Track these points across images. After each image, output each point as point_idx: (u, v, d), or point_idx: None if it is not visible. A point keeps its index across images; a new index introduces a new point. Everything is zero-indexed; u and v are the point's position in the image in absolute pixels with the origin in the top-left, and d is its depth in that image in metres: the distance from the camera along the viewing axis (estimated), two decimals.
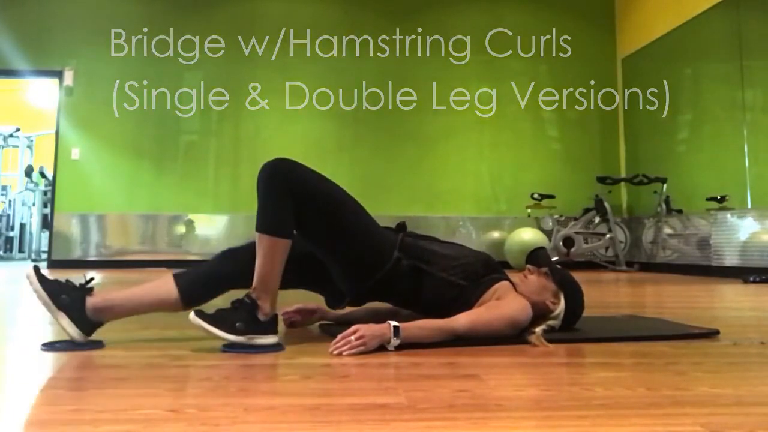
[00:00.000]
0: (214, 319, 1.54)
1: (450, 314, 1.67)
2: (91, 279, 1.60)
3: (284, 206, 1.62)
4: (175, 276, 1.68)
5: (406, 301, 1.81)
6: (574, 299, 1.78)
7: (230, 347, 1.54)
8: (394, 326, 1.53)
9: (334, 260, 1.73)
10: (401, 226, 1.85)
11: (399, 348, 1.52)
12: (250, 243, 1.71)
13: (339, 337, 1.53)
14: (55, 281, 1.56)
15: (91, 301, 1.56)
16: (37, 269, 1.56)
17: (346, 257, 1.71)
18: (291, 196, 1.62)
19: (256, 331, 1.55)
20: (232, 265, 1.72)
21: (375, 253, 1.71)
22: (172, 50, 6.79)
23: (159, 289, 1.65)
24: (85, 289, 1.58)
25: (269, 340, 1.57)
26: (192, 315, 1.54)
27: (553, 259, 6.19)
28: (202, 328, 1.52)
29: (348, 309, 2.00)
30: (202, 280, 1.69)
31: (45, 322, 2.07)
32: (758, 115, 5.04)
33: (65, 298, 1.53)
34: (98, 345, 1.58)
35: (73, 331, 1.54)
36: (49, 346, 1.56)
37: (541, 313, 1.73)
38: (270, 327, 1.58)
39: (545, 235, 6.38)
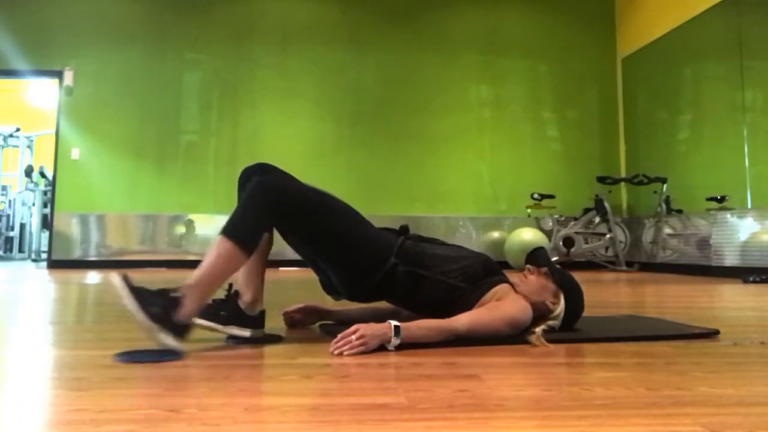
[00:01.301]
0: (134, 290, 1.45)
1: (450, 316, 1.67)
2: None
3: (262, 224, 1.61)
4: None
5: (405, 303, 1.81)
6: (574, 299, 1.78)
7: (123, 356, 1.44)
8: (395, 326, 1.53)
9: (330, 267, 1.75)
10: (404, 230, 1.84)
11: (399, 348, 1.52)
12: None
13: (339, 336, 1.53)
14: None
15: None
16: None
17: (341, 266, 1.72)
18: (278, 210, 1.61)
19: (166, 327, 1.44)
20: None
21: (370, 260, 1.70)
22: (172, 50, 6.79)
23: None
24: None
25: (172, 342, 1.46)
26: (115, 275, 1.46)
27: (553, 259, 6.20)
28: (117, 290, 1.44)
29: (347, 307, 2.00)
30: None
31: (45, 322, 2.07)
32: (758, 115, 5.04)
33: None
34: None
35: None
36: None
37: (540, 314, 1.73)
38: (181, 330, 1.48)
39: (545, 235, 6.38)
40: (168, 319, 1.45)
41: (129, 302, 1.42)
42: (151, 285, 1.51)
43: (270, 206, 1.61)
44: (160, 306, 1.45)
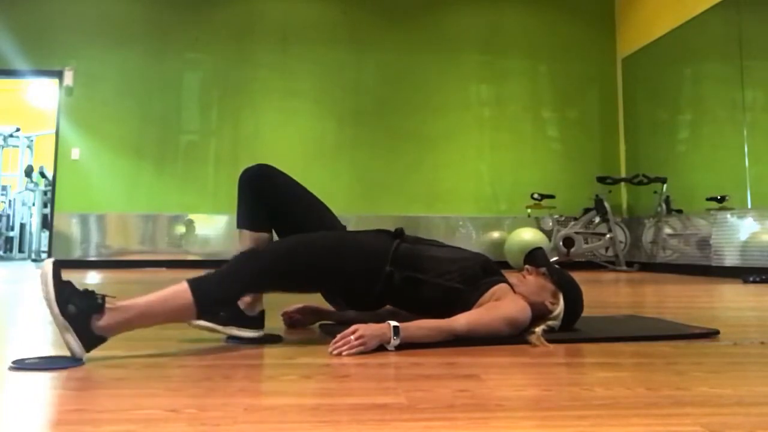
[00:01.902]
0: (61, 283, 1.40)
1: (449, 316, 1.67)
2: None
3: (231, 297, 1.60)
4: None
5: (404, 306, 1.81)
6: (574, 299, 1.77)
7: (23, 364, 1.37)
8: (394, 326, 1.53)
9: (328, 291, 1.79)
10: (399, 233, 1.81)
11: (399, 348, 1.52)
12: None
13: (338, 336, 1.53)
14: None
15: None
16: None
17: (338, 288, 1.74)
18: (267, 281, 1.63)
19: (76, 330, 1.37)
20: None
21: (365, 276, 1.69)
22: (172, 50, 6.79)
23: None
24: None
25: (75, 347, 1.38)
26: (49, 262, 1.41)
27: (553, 259, 6.20)
28: (43, 277, 1.39)
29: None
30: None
31: (45, 322, 2.07)
32: (758, 115, 5.04)
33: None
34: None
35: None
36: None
37: (540, 314, 1.73)
38: (92, 342, 1.41)
39: (545, 235, 6.38)
40: (83, 322, 1.37)
41: (49, 292, 1.35)
42: (150, 285, 1.51)
43: (252, 286, 1.62)
44: (79, 307, 1.37)
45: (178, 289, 1.49)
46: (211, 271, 1.57)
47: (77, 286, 1.41)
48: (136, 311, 1.44)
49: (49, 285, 1.36)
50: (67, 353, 1.39)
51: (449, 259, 1.77)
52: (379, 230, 1.82)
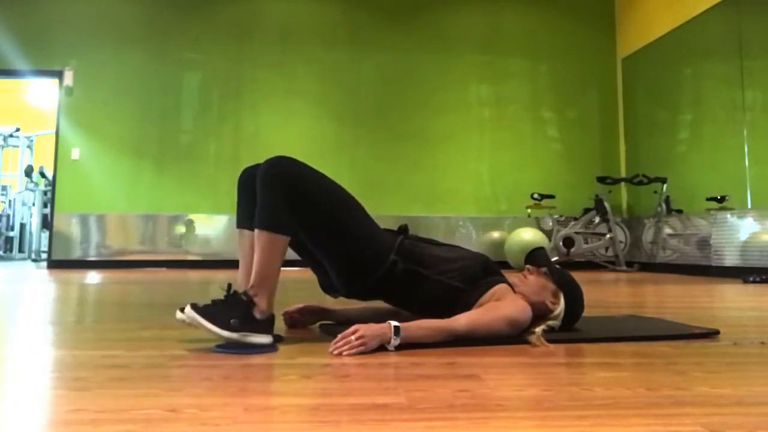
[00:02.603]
0: (208, 313, 1.50)
1: (449, 316, 1.67)
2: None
3: (282, 204, 1.62)
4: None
5: (404, 303, 1.81)
6: (574, 299, 1.77)
7: (223, 347, 1.52)
8: (395, 326, 1.53)
9: (330, 260, 1.74)
10: (403, 229, 1.84)
11: (399, 348, 1.52)
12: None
13: (339, 336, 1.53)
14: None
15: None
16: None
17: (342, 258, 1.71)
18: (289, 194, 1.62)
19: (252, 329, 1.53)
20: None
21: (371, 256, 1.70)
22: (172, 50, 6.79)
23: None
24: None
25: (263, 339, 1.55)
26: (187, 308, 1.50)
27: (553, 259, 6.20)
28: (196, 321, 1.48)
29: (347, 306, 2.00)
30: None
31: (45, 322, 2.07)
32: (758, 115, 5.04)
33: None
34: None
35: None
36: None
37: (540, 314, 1.73)
38: (266, 326, 1.57)
39: (545, 235, 6.38)
40: (250, 323, 1.53)
41: (209, 328, 1.48)
42: (150, 285, 1.50)
43: (287, 185, 1.62)
44: (237, 316, 1.51)
45: (257, 238, 1.60)
46: (259, 203, 1.64)
47: (215, 298, 1.55)
48: (266, 279, 1.59)
49: (204, 323, 1.49)
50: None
51: (450, 258, 1.78)
52: (384, 228, 1.83)
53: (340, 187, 1.74)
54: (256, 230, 1.61)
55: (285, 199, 1.63)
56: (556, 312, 1.74)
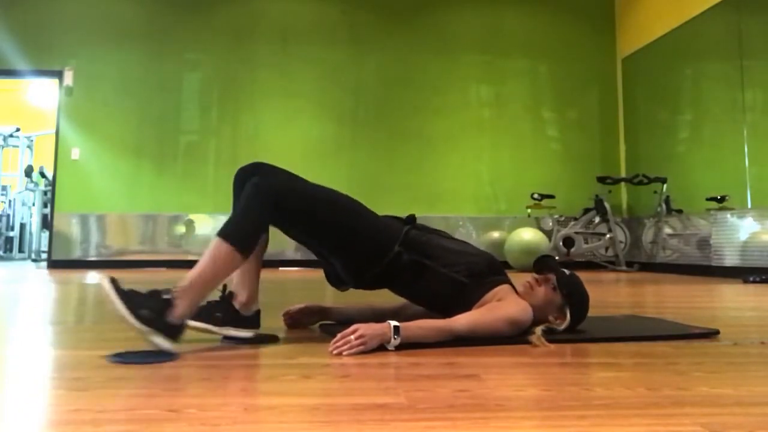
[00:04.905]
0: (126, 295, 1.43)
1: (450, 310, 1.67)
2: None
3: (256, 225, 1.59)
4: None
5: (408, 293, 1.81)
6: (580, 311, 1.77)
7: (119, 356, 1.44)
8: (395, 326, 1.53)
9: (336, 256, 1.74)
10: (410, 219, 1.84)
11: (399, 348, 1.52)
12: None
13: (339, 336, 1.52)
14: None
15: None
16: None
17: (347, 253, 1.71)
18: (278, 211, 1.59)
19: (158, 329, 1.44)
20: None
21: (375, 247, 1.70)
22: (172, 50, 6.79)
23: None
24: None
25: (165, 343, 1.45)
26: (106, 281, 1.43)
27: None
28: (110, 297, 1.41)
29: (347, 306, 2.00)
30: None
31: (45, 322, 2.07)
32: (758, 115, 5.04)
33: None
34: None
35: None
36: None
37: (542, 320, 1.72)
38: (174, 331, 1.47)
39: (545, 235, 6.38)
40: (160, 320, 1.44)
41: (118, 306, 1.41)
42: (150, 285, 1.51)
43: (270, 208, 1.59)
44: (151, 308, 1.44)
45: (214, 246, 1.54)
46: (230, 214, 1.61)
47: (139, 289, 1.47)
48: (197, 286, 1.51)
49: (116, 301, 1.41)
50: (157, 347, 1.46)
51: (457, 251, 1.77)
52: (392, 216, 1.83)
53: (329, 189, 1.72)
54: (217, 237, 1.55)
55: (263, 223, 1.60)
56: (560, 328, 1.73)
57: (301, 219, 1.66)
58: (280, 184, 1.64)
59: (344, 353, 1.47)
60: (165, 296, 1.47)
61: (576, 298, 1.76)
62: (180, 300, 1.48)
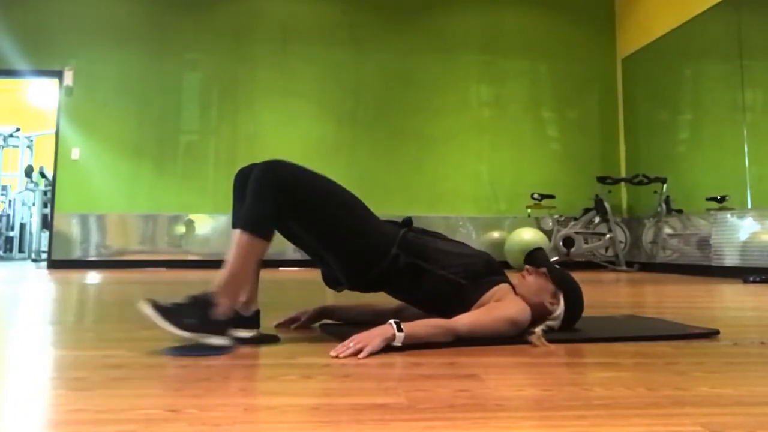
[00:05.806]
0: (166, 311, 1.49)
1: (449, 311, 1.67)
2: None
3: (270, 211, 1.60)
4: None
5: (405, 296, 1.81)
6: (574, 299, 1.77)
7: (176, 350, 1.51)
8: (395, 322, 1.53)
9: (333, 255, 1.73)
10: (406, 222, 1.84)
11: (399, 348, 1.52)
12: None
13: (339, 346, 1.51)
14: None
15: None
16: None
17: (344, 253, 1.71)
18: (281, 202, 1.60)
19: (208, 331, 1.51)
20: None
21: (373, 249, 1.70)
22: (172, 50, 6.79)
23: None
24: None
25: (219, 340, 1.53)
26: (146, 307, 1.48)
27: (553, 259, 6.20)
28: (151, 320, 1.47)
29: (348, 305, 2.00)
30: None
31: (45, 322, 2.07)
32: (758, 115, 5.04)
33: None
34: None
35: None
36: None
37: (540, 315, 1.72)
38: (223, 327, 1.55)
39: (545, 235, 6.38)
40: (206, 322, 1.51)
41: (164, 325, 1.47)
42: (150, 285, 1.50)
43: (279, 192, 1.60)
44: (195, 315, 1.50)
45: (235, 238, 1.58)
46: (246, 204, 1.63)
47: (178, 300, 1.54)
48: (233, 281, 1.56)
49: (160, 321, 1.48)
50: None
51: (454, 253, 1.78)
52: (388, 220, 1.84)
53: (337, 185, 1.73)
54: (238, 230, 1.59)
55: (275, 207, 1.60)
56: (556, 313, 1.74)
57: (307, 209, 1.65)
58: (288, 172, 1.64)
59: (359, 357, 1.45)
60: (206, 298, 1.53)
61: (567, 285, 1.77)
62: (221, 297, 1.54)
